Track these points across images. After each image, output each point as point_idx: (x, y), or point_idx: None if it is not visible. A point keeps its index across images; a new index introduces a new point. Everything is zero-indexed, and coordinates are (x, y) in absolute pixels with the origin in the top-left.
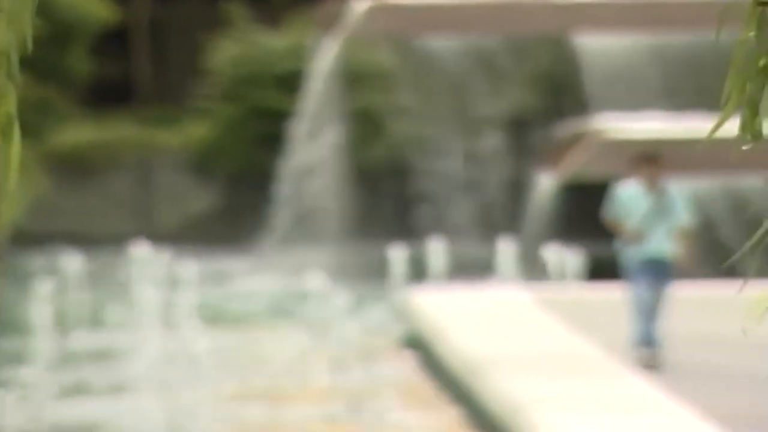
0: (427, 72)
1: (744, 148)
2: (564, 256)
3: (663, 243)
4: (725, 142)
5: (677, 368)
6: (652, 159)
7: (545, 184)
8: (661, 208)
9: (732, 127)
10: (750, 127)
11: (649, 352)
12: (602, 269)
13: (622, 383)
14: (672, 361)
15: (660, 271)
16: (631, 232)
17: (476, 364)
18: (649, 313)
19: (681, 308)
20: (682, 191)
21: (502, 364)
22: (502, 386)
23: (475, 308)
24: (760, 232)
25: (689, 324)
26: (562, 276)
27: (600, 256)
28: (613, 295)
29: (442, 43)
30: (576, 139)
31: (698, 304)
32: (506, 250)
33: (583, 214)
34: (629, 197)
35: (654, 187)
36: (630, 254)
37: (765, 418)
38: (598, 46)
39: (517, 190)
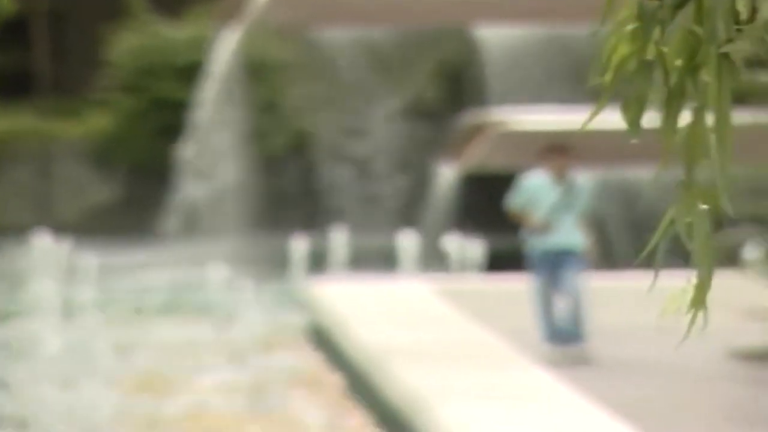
0: (327, 64)
1: (633, 141)
2: (465, 248)
3: (571, 234)
4: (620, 134)
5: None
6: (560, 149)
7: (446, 175)
8: (569, 199)
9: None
10: (634, 122)
11: (564, 347)
12: (503, 260)
13: (524, 374)
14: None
15: (568, 263)
16: (538, 223)
17: (378, 355)
18: (551, 306)
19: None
20: (589, 182)
21: (404, 355)
22: (404, 377)
23: (377, 299)
24: (664, 223)
25: (596, 315)
26: (463, 267)
27: (501, 247)
28: (514, 285)
29: (343, 35)
30: (476, 131)
31: (602, 295)
32: (408, 241)
33: (484, 206)
34: (536, 187)
35: (562, 177)
36: (536, 246)
37: (666, 407)
38: (497, 38)
39: (419, 181)
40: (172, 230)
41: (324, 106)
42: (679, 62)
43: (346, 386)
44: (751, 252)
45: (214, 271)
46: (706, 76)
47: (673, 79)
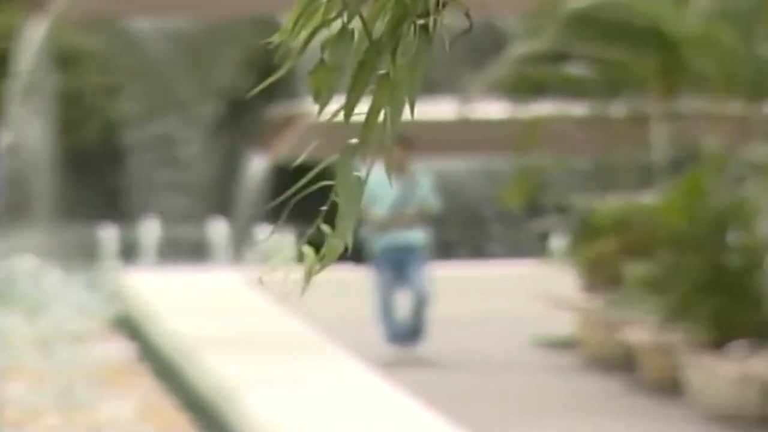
0: (135, 53)
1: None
2: (277, 238)
3: (410, 231)
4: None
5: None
6: (401, 142)
7: (257, 166)
8: (408, 195)
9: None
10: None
11: (404, 348)
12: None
13: (335, 363)
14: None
15: (408, 260)
16: (379, 220)
17: (188, 345)
18: (393, 306)
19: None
20: (429, 176)
21: (214, 344)
22: (214, 366)
23: (188, 290)
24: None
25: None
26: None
27: (312, 237)
28: (324, 275)
29: (151, 25)
30: (287, 121)
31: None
32: (219, 231)
33: (296, 196)
34: (375, 183)
35: (402, 172)
36: (377, 243)
37: (472, 397)
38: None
39: (230, 172)
40: None
41: (133, 96)
42: (381, 33)
43: (156, 376)
44: (556, 242)
45: (23, 262)
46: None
47: (371, 49)
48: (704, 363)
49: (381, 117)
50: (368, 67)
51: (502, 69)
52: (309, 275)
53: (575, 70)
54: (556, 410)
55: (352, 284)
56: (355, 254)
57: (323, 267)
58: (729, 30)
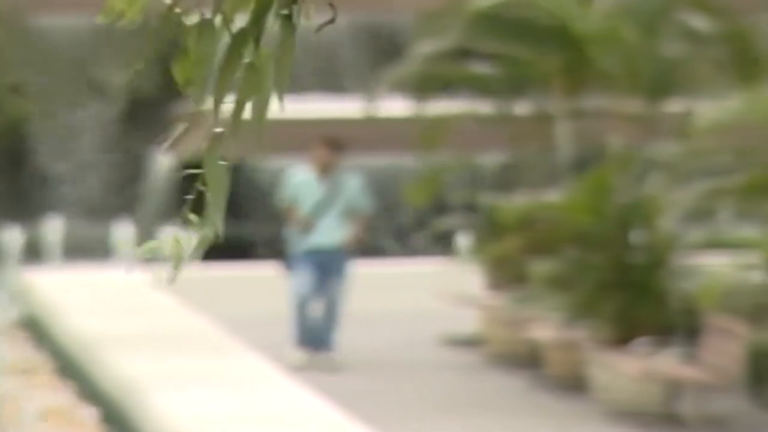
0: (42, 49)
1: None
2: (182, 237)
3: (335, 233)
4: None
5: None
6: (328, 143)
7: (163, 164)
8: (334, 196)
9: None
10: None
11: (315, 352)
12: (222, 249)
13: (239, 361)
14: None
15: (329, 263)
16: (301, 220)
17: (93, 343)
18: (308, 309)
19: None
20: (357, 177)
21: (119, 343)
22: (119, 365)
23: (92, 289)
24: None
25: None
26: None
27: (221, 235)
28: (232, 273)
29: (59, 22)
30: (192, 119)
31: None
32: (123, 231)
33: (202, 195)
34: (301, 183)
35: (327, 173)
36: (298, 244)
37: (379, 395)
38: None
39: (135, 170)
40: None
41: (35, 93)
42: (244, 22)
43: (61, 374)
44: (462, 240)
45: None
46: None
47: (236, 39)
48: (608, 360)
49: (249, 106)
50: (234, 58)
51: (408, 67)
52: (178, 264)
53: (481, 68)
54: (462, 407)
55: (269, 282)
56: (278, 254)
57: (196, 256)
58: (632, 29)
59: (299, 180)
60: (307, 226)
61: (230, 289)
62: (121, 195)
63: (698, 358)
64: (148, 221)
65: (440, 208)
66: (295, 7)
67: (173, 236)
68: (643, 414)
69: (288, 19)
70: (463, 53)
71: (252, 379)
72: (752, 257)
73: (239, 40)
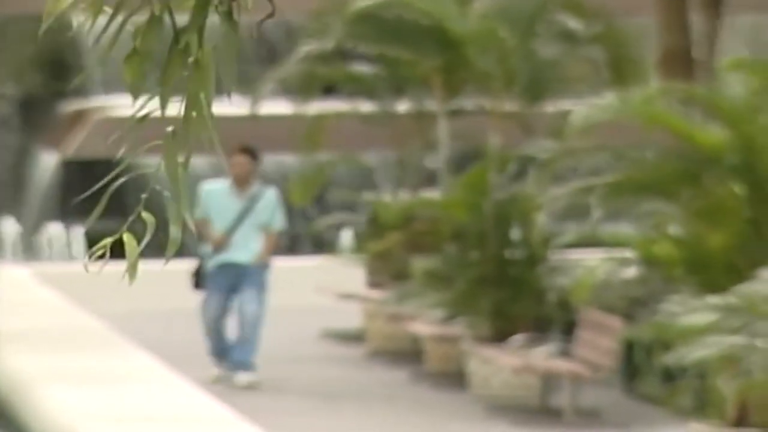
0: None
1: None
2: (66, 234)
3: (251, 248)
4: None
5: (182, 342)
6: (246, 151)
7: (48, 161)
8: (249, 209)
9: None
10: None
11: (230, 369)
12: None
13: (126, 358)
14: (172, 334)
15: (241, 279)
16: (216, 238)
17: None
18: (220, 325)
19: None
20: (273, 189)
21: (4, 339)
22: (6, 362)
23: None
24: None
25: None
26: (64, 254)
27: (102, 233)
28: (116, 271)
29: None
30: (77, 117)
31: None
32: (8, 227)
33: (85, 192)
34: (217, 196)
35: (244, 186)
36: (212, 259)
37: (266, 389)
38: (98, 24)
39: (20, 167)
40: None
41: None
42: (187, 18)
43: None
44: (346, 237)
45: None
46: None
47: (178, 35)
48: (486, 355)
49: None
50: (177, 55)
51: (291, 67)
52: (133, 265)
53: (363, 68)
54: (343, 401)
55: (156, 278)
56: (195, 273)
57: (169, 257)
58: (508, 30)
59: (213, 192)
60: (222, 244)
61: (112, 286)
62: (7, 192)
63: (574, 352)
64: (33, 218)
65: (324, 206)
66: (234, 3)
67: (126, 235)
68: (521, 408)
69: (228, 14)
70: (346, 53)
71: (139, 376)
72: (626, 254)
73: (181, 36)
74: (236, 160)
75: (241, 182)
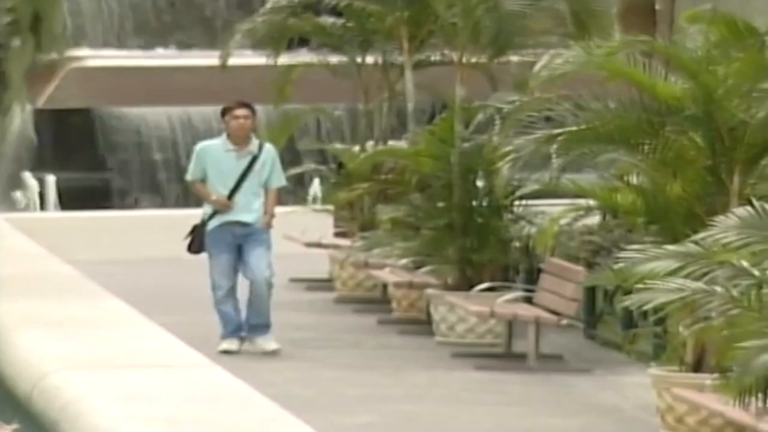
0: None
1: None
2: (41, 183)
3: (253, 208)
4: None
5: (151, 290)
6: (245, 106)
7: (23, 111)
8: (252, 169)
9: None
10: None
11: (247, 336)
12: (76, 196)
13: (101, 303)
14: (143, 282)
15: (253, 243)
16: (223, 202)
17: None
18: (231, 292)
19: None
20: (273, 151)
21: None
22: None
23: None
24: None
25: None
26: (39, 203)
27: (74, 183)
28: (88, 220)
29: None
30: (49, 68)
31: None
32: None
33: (59, 142)
34: (215, 156)
35: (243, 145)
36: (212, 220)
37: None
38: None
39: None
40: None
41: None
42: None
43: None
44: (315, 186)
45: None
46: None
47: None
48: (452, 301)
49: None
50: None
51: (260, 20)
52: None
53: (331, 20)
54: (310, 344)
55: (124, 228)
56: (191, 235)
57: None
58: None
59: (210, 150)
60: (227, 206)
61: (85, 234)
62: None
63: (538, 299)
64: (9, 167)
65: (293, 156)
66: None
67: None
68: (486, 353)
69: None
70: (315, 6)
71: (113, 321)
72: (589, 203)
73: None
74: (237, 114)
75: (241, 140)
